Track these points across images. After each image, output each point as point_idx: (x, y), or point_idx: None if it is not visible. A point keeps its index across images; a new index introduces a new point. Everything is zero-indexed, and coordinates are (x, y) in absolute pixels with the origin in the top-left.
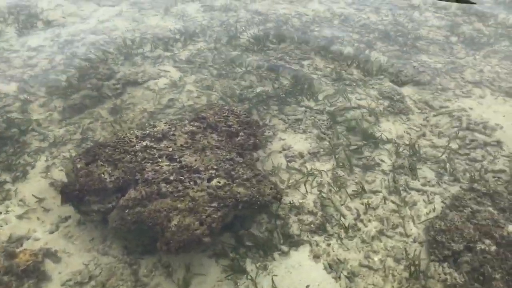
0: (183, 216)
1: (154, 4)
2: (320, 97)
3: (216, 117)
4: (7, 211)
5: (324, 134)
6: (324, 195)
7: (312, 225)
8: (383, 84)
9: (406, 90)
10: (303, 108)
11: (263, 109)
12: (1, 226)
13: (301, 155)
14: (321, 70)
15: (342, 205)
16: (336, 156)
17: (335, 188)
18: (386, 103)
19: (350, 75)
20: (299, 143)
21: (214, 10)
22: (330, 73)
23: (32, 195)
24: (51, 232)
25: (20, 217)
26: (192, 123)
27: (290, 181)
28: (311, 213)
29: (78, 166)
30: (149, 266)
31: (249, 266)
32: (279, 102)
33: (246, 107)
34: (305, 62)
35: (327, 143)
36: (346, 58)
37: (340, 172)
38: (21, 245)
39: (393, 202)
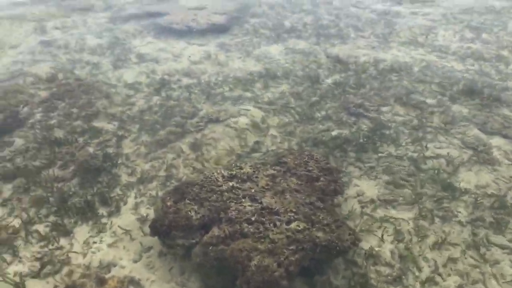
0: (262, 257)
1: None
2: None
3: (296, 161)
4: (101, 241)
5: (405, 181)
6: (403, 245)
7: (389, 277)
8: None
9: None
10: (380, 155)
11: (340, 155)
12: (95, 253)
13: (372, 201)
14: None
15: (420, 255)
16: (420, 206)
17: (416, 238)
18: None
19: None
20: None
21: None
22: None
23: (121, 227)
24: (135, 261)
25: (110, 245)
26: (273, 167)
27: (365, 227)
28: (388, 264)
29: (168, 204)
30: None
31: None
32: (357, 148)
33: (323, 152)
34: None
35: (408, 191)
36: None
37: (421, 222)
38: (109, 271)
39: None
